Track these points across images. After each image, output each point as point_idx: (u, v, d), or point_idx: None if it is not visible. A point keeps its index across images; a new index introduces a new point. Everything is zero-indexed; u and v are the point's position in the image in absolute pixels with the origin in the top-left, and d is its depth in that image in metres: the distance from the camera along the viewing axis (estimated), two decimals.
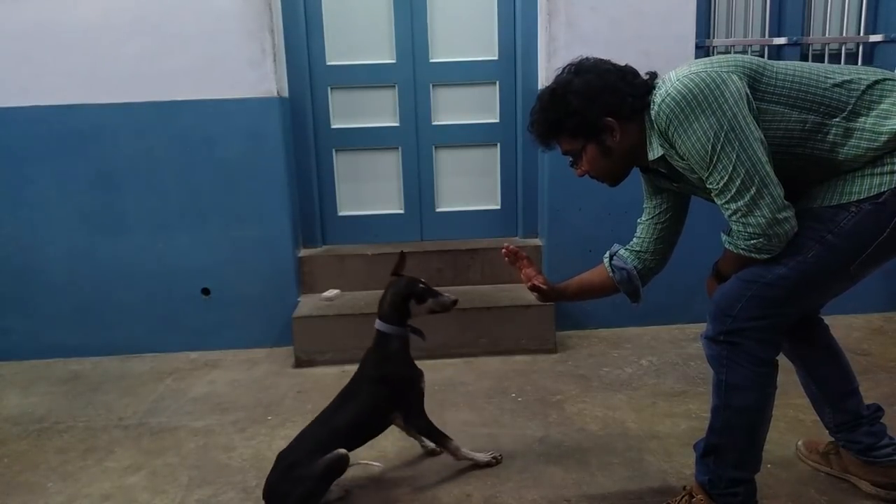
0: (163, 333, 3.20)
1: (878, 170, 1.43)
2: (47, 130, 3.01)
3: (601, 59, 1.61)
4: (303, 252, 3.38)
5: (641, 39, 3.01)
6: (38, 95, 2.98)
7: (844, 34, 3.33)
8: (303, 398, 2.63)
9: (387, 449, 2.18)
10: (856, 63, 3.37)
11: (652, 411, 2.40)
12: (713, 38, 3.27)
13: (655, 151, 1.57)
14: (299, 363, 2.97)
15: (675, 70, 1.53)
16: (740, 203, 1.43)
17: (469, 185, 3.53)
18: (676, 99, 1.45)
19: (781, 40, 3.28)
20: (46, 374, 3.00)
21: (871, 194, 1.43)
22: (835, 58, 3.36)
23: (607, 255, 1.90)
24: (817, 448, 1.97)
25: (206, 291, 3.19)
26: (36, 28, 2.92)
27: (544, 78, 3.14)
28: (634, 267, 1.85)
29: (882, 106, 1.44)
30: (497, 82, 3.41)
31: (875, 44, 3.33)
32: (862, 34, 3.34)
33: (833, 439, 1.91)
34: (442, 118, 3.45)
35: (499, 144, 3.47)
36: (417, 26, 3.32)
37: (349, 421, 1.88)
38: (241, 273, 3.17)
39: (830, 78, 1.47)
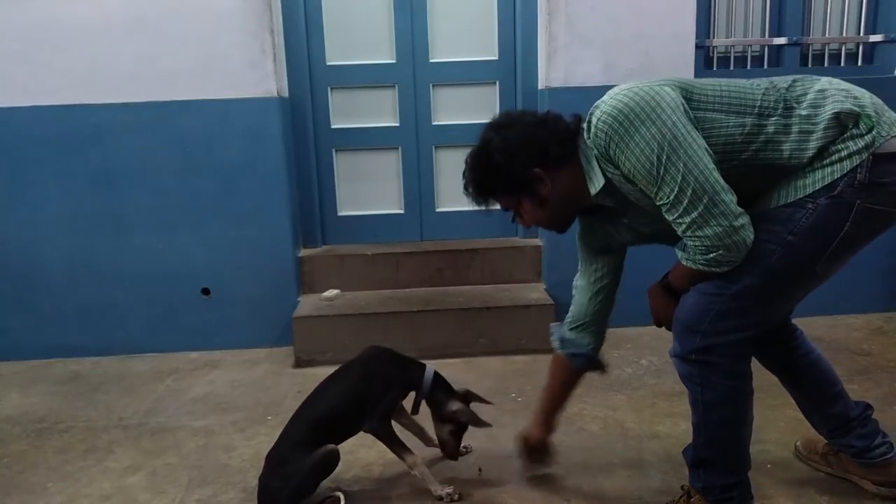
0: (163, 333, 3.20)
1: (827, 160, 1.40)
2: (47, 130, 3.01)
3: (521, 112, 1.60)
4: (303, 252, 3.38)
5: (641, 39, 3.01)
6: (38, 95, 2.98)
7: (844, 34, 3.33)
8: (303, 398, 2.62)
9: (385, 449, 2.17)
10: (855, 63, 3.37)
11: (652, 411, 2.40)
12: (713, 38, 3.28)
13: (598, 182, 1.52)
14: (299, 363, 2.97)
15: (605, 95, 1.50)
16: (694, 215, 1.39)
17: None
18: (613, 115, 1.41)
19: (781, 40, 3.28)
20: (46, 374, 3.00)
21: (825, 184, 1.40)
22: (835, 58, 3.36)
23: (557, 343, 1.88)
24: (816, 448, 1.96)
25: (206, 291, 3.19)
26: (36, 28, 2.92)
27: (544, 78, 3.15)
28: (588, 345, 1.86)
29: (809, 97, 1.43)
30: (497, 82, 3.40)
31: (875, 44, 3.34)
32: (862, 34, 3.34)
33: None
34: (442, 118, 3.45)
35: None
36: (417, 26, 3.32)
37: (328, 411, 1.87)
38: (241, 273, 3.17)
39: (755, 85, 1.47)
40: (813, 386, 1.81)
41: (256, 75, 3.01)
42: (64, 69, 2.96)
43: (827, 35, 3.35)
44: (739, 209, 1.39)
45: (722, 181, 1.39)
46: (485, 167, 1.57)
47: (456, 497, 1.88)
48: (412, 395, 2.00)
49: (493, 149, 1.54)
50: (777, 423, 2.21)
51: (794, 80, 1.47)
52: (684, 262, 1.50)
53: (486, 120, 3.71)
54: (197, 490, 2.00)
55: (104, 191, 3.08)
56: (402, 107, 3.41)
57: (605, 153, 1.46)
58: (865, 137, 1.38)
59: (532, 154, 1.52)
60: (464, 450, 2.10)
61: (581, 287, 1.85)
